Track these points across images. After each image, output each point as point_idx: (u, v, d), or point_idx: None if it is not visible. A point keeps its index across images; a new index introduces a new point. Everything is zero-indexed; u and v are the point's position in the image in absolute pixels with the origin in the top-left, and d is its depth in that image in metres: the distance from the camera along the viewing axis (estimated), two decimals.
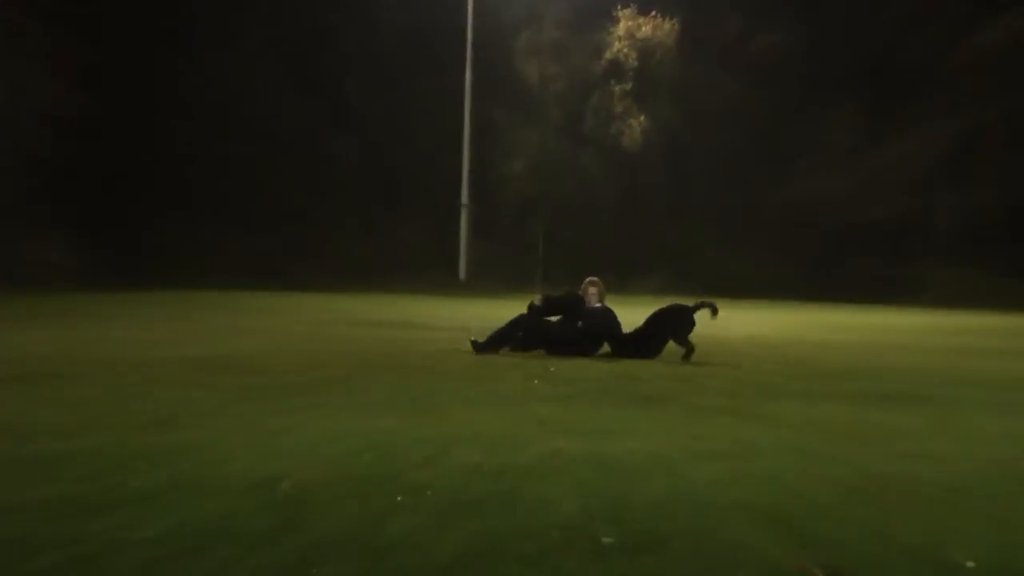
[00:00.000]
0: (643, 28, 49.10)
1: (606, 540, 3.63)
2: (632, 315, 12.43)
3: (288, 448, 4.87)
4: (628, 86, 47.39)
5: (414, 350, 10.29)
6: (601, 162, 46.50)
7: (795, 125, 46.68)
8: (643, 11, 49.32)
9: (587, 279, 11.05)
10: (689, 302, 10.72)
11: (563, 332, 10.60)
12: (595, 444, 5.15)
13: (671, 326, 10.54)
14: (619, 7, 49.48)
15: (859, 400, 7.03)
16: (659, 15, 49.30)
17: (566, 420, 5.83)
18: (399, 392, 6.77)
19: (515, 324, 10.70)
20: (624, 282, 38.50)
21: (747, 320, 20.58)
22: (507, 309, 18.22)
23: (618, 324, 10.75)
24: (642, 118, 47.06)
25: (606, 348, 10.77)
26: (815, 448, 5.22)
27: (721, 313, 11.19)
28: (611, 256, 43.45)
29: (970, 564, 3.50)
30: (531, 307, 10.64)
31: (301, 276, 35.56)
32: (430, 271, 39.76)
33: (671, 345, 10.58)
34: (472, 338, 10.94)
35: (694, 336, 10.56)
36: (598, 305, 10.86)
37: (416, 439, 5.17)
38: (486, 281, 38.26)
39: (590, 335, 10.60)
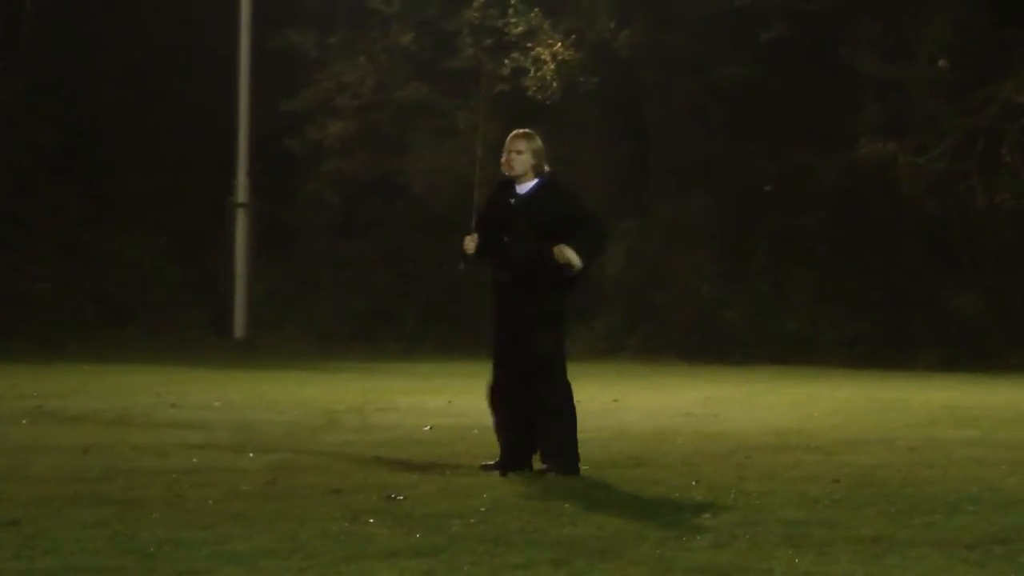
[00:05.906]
0: None
1: None
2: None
3: None
4: None
5: (142, 467, 7.92)
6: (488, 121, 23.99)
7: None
8: None
9: (511, 134, 7.32)
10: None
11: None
12: None
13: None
14: None
15: (984, 552, 5.27)
16: None
17: None
18: (114, 545, 5.22)
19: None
20: None
21: (770, 402, 13.61)
22: (328, 389, 14.07)
23: (576, 204, 7.47)
24: (559, 46, 25.68)
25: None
26: None
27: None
28: None
29: None
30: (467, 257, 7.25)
31: None
32: (174, 321, 23.26)
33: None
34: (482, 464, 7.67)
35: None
36: (532, 183, 7.20)
37: None
38: (283, 338, 22.93)
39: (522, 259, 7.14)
